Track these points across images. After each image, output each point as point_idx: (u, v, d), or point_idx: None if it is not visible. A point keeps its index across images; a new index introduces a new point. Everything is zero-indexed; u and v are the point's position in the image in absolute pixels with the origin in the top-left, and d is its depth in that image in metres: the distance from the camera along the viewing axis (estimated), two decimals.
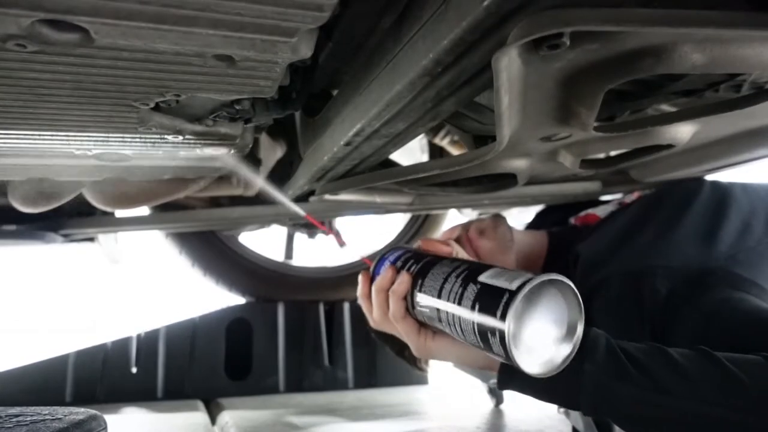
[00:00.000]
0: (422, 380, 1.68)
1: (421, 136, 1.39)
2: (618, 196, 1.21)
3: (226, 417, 1.27)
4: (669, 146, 0.82)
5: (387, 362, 1.67)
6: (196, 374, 1.55)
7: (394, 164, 0.99)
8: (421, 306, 0.65)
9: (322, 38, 0.56)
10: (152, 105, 0.61)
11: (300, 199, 1.16)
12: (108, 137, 0.70)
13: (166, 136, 0.71)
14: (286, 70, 0.57)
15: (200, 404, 1.45)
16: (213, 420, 1.31)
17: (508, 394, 1.35)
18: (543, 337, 0.57)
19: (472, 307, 0.57)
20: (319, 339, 1.68)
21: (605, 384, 0.60)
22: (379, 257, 0.75)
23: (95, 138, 0.70)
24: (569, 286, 0.57)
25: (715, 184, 0.99)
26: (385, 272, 0.70)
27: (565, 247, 0.99)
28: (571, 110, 0.63)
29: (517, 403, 1.33)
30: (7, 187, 0.95)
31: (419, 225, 1.85)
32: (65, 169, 0.83)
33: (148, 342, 1.54)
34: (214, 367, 1.57)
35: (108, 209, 1.12)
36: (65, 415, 0.65)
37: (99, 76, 0.53)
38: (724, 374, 0.59)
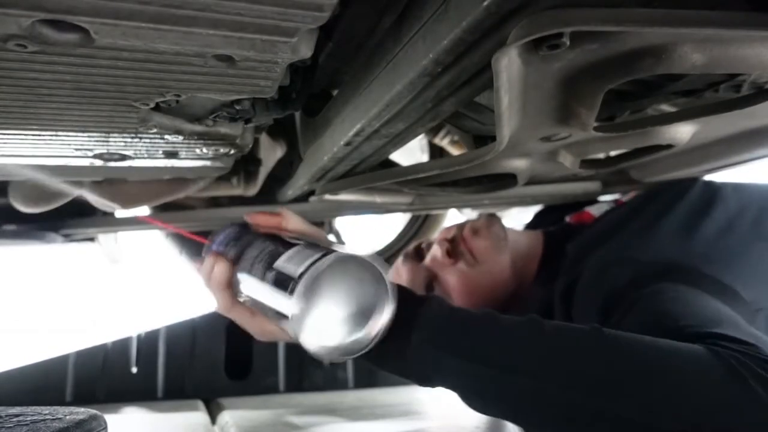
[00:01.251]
0: None
1: (421, 136, 1.39)
2: (617, 195, 1.21)
3: (226, 417, 1.27)
4: (669, 146, 0.82)
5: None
6: (196, 374, 1.55)
7: (394, 164, 0.99)
8: (241, 295, 0.62)
9: (322, 38, 0.56)
10: (152, 105, 0.61)
11: (300, 199, 1.16)
12: (108, 137, 0.70)
13: (166, 136, 0.71)
14: (286, 70, 0.57)
15: (200, 404, 1.45)
16: (213, 420, 1.31)
17: None
18: (340, 321, 0.54)
19: (269, 296, 0.55)
20: None
21: (433, 355, 0.58)
22: (210, 239, 0.70)
23: (95, 138, 0.70)
24: (371, 264, 0.54)
25: (707, 184, 0.99)
26: (206, 261, 0.65)
27: (560, 245, 1.00)
28: (571, 110, 0.63)
29: None
30: (7, 187, 0.96)
31: (419, 225, 1.85)
32: (65, 169, 0.83)
33: (148, 342, 1.54)
34: (214, 367, 1.57)
35: (108, 209, 1.12)
36: (66, 415, 0.65)
37: (99, 76, 0.53)
38: (544, 344, 0.57)
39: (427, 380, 0.60)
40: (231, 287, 0.64)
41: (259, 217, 0.67)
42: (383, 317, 0.55)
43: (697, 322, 0.64)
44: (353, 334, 0.54)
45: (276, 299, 0.54)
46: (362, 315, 0.55)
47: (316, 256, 0.53)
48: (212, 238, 0.70)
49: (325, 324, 0.53)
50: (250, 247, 0.62)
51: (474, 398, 0.60)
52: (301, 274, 0.51)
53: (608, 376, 0.55)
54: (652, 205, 0.98)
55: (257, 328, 0.65)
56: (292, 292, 0.51)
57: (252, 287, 0.59)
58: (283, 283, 0.53)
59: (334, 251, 0.53)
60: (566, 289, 0.87)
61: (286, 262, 0.55)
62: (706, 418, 0.52)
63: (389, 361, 0.60)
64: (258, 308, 0.61)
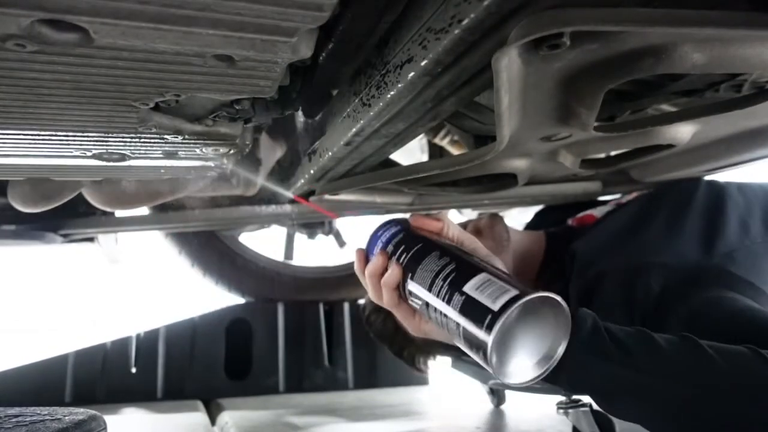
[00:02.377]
0: (422, 380, 1.68)
1: (421, 136, 1.39)
2: (617, 196, 1.21)
3: (225, 417, 1.27)
4: (669, 146, 0.82)
5: (387, 362, 1.67)
6: (195, 374, 1.55)
7: (394, 164, 0.99)
8: (412, 297, 0.66)
9: (322, 38, 0.56)
10: (152, 105, 0.61)
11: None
12: (107, 137, 0.70)
13: (166, 136, 0.71)
14: (286, 70, 0.57)
15: (200, 404, 1.45)
16: (213, 420, 1.31)
17: (509, 395, 1.35)
18: (525, 352, 0.58)
19: (458, 317, 0.58)
20: (319, 339, 1.68)
21: (585, 361, 0.60)
22: (373, 233, 0.74)
23: (95, 138, 0.70)
24: (558, 301, 0.57)
25: (711, 184, 1.00)
26: (377, 259, 0.69)
27: (562, 246, 1.00)
28: (571, 110, 0.63)
29: (517, 403, 1.33)
30: (7, 187, 0.95)
31: None
32: (65, 169, 0.83)
33: (147, 342, 1.54)
34: (214, 367, 1.57)
35: (108, 209, 1.12)
36: (65, 416, 0.65)
37: (99, 76, 0.53)
38: (704, 359, 0.60)
39: (577, 387, 0.63)
40: (398, 285, 0.67)
41: (422, 221, 0.71)
42: (561, 349, 0.59)
43: None
44: (537, 366, 0.59)
45: (466, 324, 0.57)
46: (546, 350, 0.59)
47: (511, 293, 0.56)
48: (373, 232, 0.74)
49: (513, 357, 0.57)
50: (427, 258, 0.65)
51: (625, 406, 0.63)
52: (500, 311, 0.54)
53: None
54: (661, 207, 0.97)
55: (415, 327, 0.70)
56: (490, 327, 0.54)
57: (429, 298, 0.63)
58: (477, 313, 0.56)
59: (520, 288, 0.57)
60: (584, 292, 0.87)
61: (478, 292, 0.58)
62: None
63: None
64: (427, 314, 0.65)
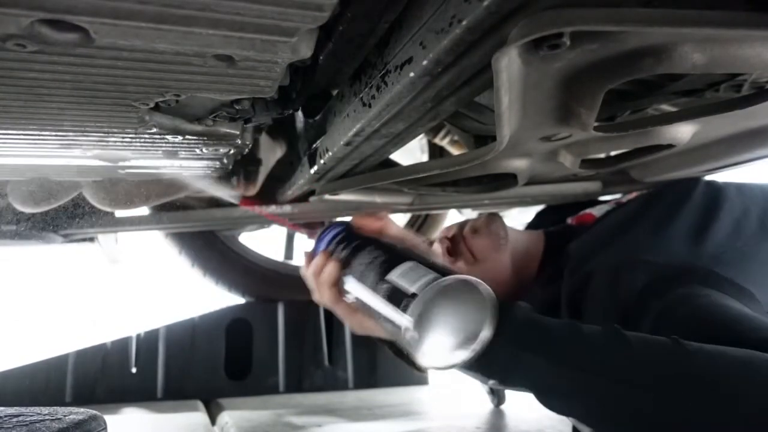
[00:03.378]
0: (422, 380, 1.68)
1: (421, 136, 1.40)
2: (617, 196, 1.21)
3: (226, 417, 1.27)
4: (669, 146, 0.82)
5: (387, 362, 1.67)
6: (195, 374, 1.55)
7: (394, 164, 0.99)
8: (348, 294, 0.67)
9: (322, 38, 0.56)
10: (152, 105, 0.61)
11: (300, 199, 1.16)
12: (108, 137, 0.70)
13: (166, 136, 0.71)
14: (286, 70, 0.57)
15: (200, 404, 1.45)
16: (213, 420, 1.31)
17: (509, 395, 1.35)
18: (448, 336, 0.58)
19: (382, 304, 0.59)
20: (319, 339, 1.68)
21: (515, 354, 0.60)
22: (318, 235, 0.76)
23: (95, 138, 0.70)
24: (482, 285, 0.58)
25: (710, 184, 0.99)
26: (317, 258, 0.71)
27: (560, 246, 1.00)
28: (571, 110, 0.63)
29: (517, 404, 1.33)
30: (7, 187, 0.95)
31: (419, 225, 1.85)
32: (65, 169, 0.83)
33: (147, 342, 1.54)
34: (214, 367, 1.57)
35: (108, 209, 1.12)
36: (65, 415, 0.65)
37: (99, 76, 0.53)
38: (621, 353, 0.59)
39: (506, 379, 0.63)
40: (336, 281, 0.68)
41: (362, 220, 0.72)
42: (485, 334, 0.59)
43: (751, 328, 0.65)
44: (458, 349, 0.59)
45: (387, 310, 0.58)
46: (468, 332, 0.59)
47: (430, 276, 0.56)
48: (319, 234, 0.76)
49: (433, 340, 0.57)
50: (361, 253, 0.66)
51: (553, 399, 0.62)
52: (415, 293, 0.55)
53: (693, 383, 0.57)
54: (656, 206, 0.97)
55: (356, 324, 0.70)
56: (405, 308, 0.55)
57: (360, 291, 0.64)
58: (396, 297, 0.57)
59: (444, 272, 0.57)
60: (573, 291, 0.87)
61: (400, 278, 0.59)
62: None
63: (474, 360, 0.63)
64: (361, 308, 0.66)
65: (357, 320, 0.70)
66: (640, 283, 0.79)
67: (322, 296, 0.71)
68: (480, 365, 0.62)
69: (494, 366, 0.62)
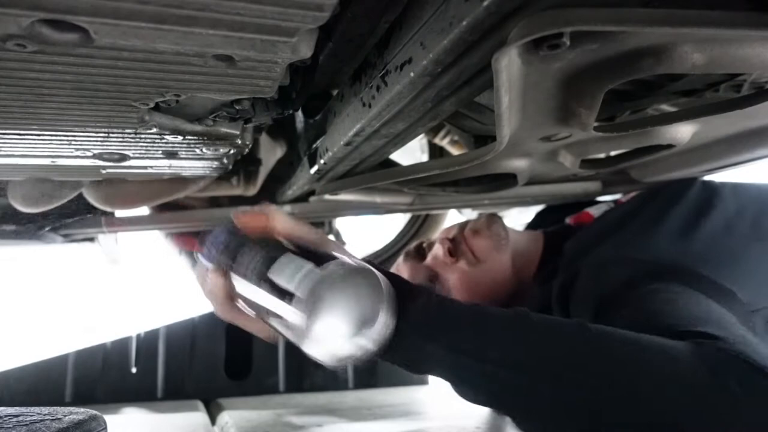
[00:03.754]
0: (422, 380, 1.68)
1: (421, 136, 1.39)
2: (617, 196, 1.21)
3: (226, 417, 1.27)
4: (669, 146, 0.82)
5: (387, 362, 1.67)
6: (195, 374, 1.55)
7: (394, 164, 0.99)
8: (241, 303, 0.62)
9: (322, 38, 0.56)
10: (152, 105, 0.61)
11: (300, 199, 1.16)
12: (108, 137, 0.70)
13: (166, 136, 0.71)
14: (286, 70, 0.57)
15: (200, 404, 1.45)
16: (213, 420, 1.31)
17: None
18: (343, 326, 0.54)
19: (272, 305, 0.55)
20: None
21: (416, 344, 0.58)
22: (205, 243, 0.68)
23: (95, 138, 0.70)
24: (365, 269, 0.54)
25: (706, 184, 0.99)
26: (202, 272, 0.65)
27: (559, 245, 1.00)
28: (571, 110, 0.63)
29: None
30: (7, 187, 0.95)
31: (419, 225, 1.85)
32: (65, 169, 0.83)
33: (147, 342, 1.54)
34: (214, 367, 1.57)
35: (108, 209, 1.12)
36: (65, 415, 0.65)
37: (99, 76, 0.53)
38: (528, 338, 0.58)
39: (416, 369, 0.61)
40: (228, 294, 0.63)
41: (245, 218, 0.64)
42: (381, 320, 0.55)
43: (685, 320, 0.64)
44: (352, 340, 0.55)
45: (273, 308, 0.55)
46: (360, 320, 0.55)
47: (307, 267, 0.53)
48: (203, 241, 0.68)
49: (325, 333, 0.54)
50: (241, 253, 0.61)
51: (462, 388, 0.61)
52: (297, 287, 0.52)
53: (589, 369, 0.55)
54: (650, 205, 0.98)
55: (256, 329, 0.65)
56: (291, 306, 0.52)
57: (249, 294, 0.60)
58: (279, 294, 0.54)
59: (329, 260, 0.53)
60: (563, 287, 0.88)
61: (277, 274, 0.55)
62: (683, 415, 0.52)
63: (381, 349, 0.60)
64: (256, 311, 0.61)
65: (255, 326, 0.64)
66: (621, 278, 0.79)
67: (221, 312, 0.65)
68: (387, 355, 0.60)
69: (399, 355, 0.59)
